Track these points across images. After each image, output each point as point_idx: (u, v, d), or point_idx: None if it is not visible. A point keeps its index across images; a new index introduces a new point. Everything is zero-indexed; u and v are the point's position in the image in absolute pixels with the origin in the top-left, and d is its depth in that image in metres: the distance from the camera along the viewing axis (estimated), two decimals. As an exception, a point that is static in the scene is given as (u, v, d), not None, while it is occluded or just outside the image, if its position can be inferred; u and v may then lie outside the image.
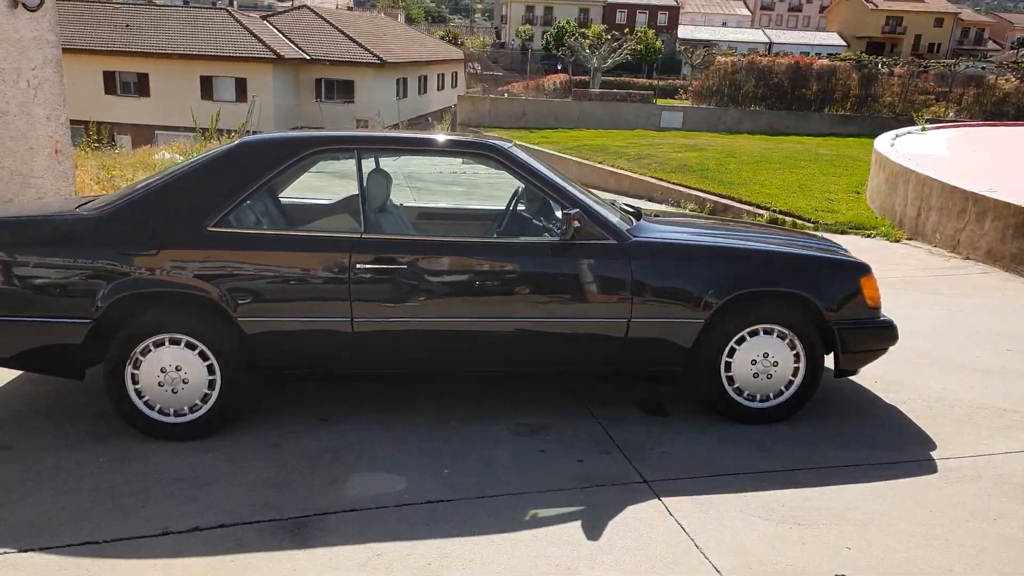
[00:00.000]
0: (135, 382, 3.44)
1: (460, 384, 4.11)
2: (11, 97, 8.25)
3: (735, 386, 3.80)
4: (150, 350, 3.42)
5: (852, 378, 4.38)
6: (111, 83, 28.24)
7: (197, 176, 3.55)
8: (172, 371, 3.44)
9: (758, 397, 3.82)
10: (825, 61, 27.42)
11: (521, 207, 4.44)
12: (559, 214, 3.72)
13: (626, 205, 4.51)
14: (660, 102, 26.85)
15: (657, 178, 14.86)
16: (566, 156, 18.12)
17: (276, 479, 3.19)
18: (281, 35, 30.20)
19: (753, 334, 3.75)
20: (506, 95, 26.38)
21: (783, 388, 3.82)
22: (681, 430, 3.73)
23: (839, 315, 3.76)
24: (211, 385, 3.49)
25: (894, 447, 3.60)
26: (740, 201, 12.21)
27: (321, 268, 3.46)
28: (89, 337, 3.38)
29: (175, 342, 3.43)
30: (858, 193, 12.59)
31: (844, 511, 3.02)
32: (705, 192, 13.18)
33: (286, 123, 27.48)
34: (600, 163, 16.98)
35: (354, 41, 30.42)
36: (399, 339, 3.56)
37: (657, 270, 3.64)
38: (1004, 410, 4.06)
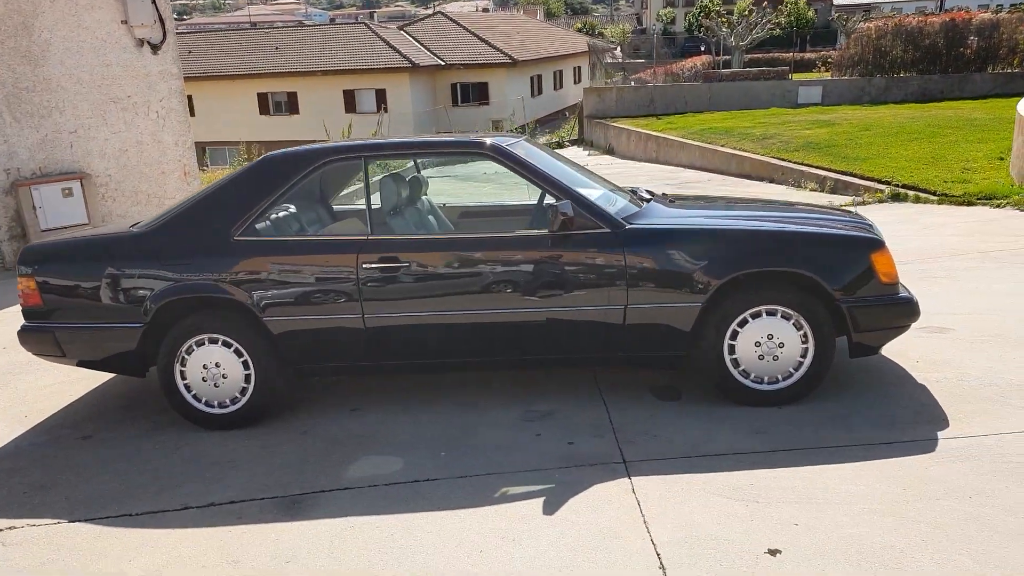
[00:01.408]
0: (183, 378, 3.94)
1: (482, 373, 4.33)
2: (143, 128, 9.36)
3: (740, 368, 3.80)
4: (193, 349, 3.91)
5: (892, 357, 4.27)
6: (264, 104, 30.62)
7: (226, 190, 4.00)
8: (213, 367, 3.92)
9: (765, 379, 3.81)
10: (987, 15, 25.07)
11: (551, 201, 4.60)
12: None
13: (648, 191, 4.58)
14: (797, 77, 25.63)
15: (779, 158, 14.33)
16: (689, 141, 17.81)
17: (294, 462, 3.58)
18: (417, 43, 31.47)
19: (756, 316, 3.74)
20: (632, 83, 26.12)
21: (792, 370, 3.78)
22: (684, 414, 3.79)
23: (848, 293, 3.68)
24: (247, 379, 3.93)
25: (901, 428, 3.48)
26: (861, 177, 11.61)
27: (333, 269, 3.81)
28: (142, 339, 3.91)
29: (213, 341, 3.90)
30: (1002, 159, 11.61)
31: (812, 490, 3.00)
32: (825, 170, 12.61)
33: (424, 130, 28.60)
34: (723, 146, 16.56)
35: (486, 43, 31.19)
36: (407, 334, 3.85)
37: (650, 256, 3.71)
38: (1050, 387, 3.79)
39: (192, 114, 31.61)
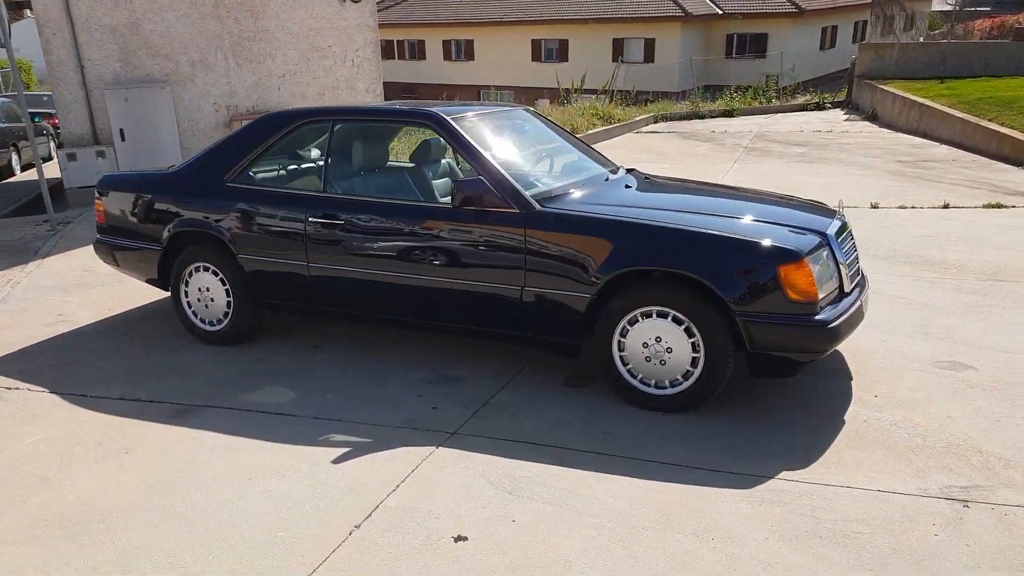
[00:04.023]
0: (186, 296, 4.74)
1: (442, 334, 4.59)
2: (339, 74, 10.51)
3: (629, 367, 3.72)
4: (193, 273, 4.67)
5: (856, 387, 3.89)
6: (537, 50, 31.64)
7: (230, 141, 4.67)
8: (205, 292, 4.66)
9: (653, 383, 3.69)
10: None
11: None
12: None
13: (629, 170, 4.58)
14: None
15: (1042, 138, 12.17)
16: (953, 112, 15.62)
17: (223, 380, 4.22)
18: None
19: (647, 316, 3.62)
20: (921, 39, 23.06)
21: (680, 377, 3.62)
22: (565, 402, 3.82)
23: (744, 305, 3.42)
24: (228, 305, 4.62)
25: (752, 459, 3.25)
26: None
27: (288, 220, 4.32)
28: (161, 260, 4.74)
29: (207, 269, 4.63)
30: None
31: (576, 497, 2.98)
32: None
33: (692, 83, 27.81)
34: (989, 121, 14.34)
35: (772, -10, 29.24)
36: (340, 285, 4.27)
37: (548, 241, 3.74)
38: (980, 451, 3.23)
39: (472, 58, 33.83)
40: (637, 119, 17.02)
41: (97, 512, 2.97)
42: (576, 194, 4.04)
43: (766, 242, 3.48)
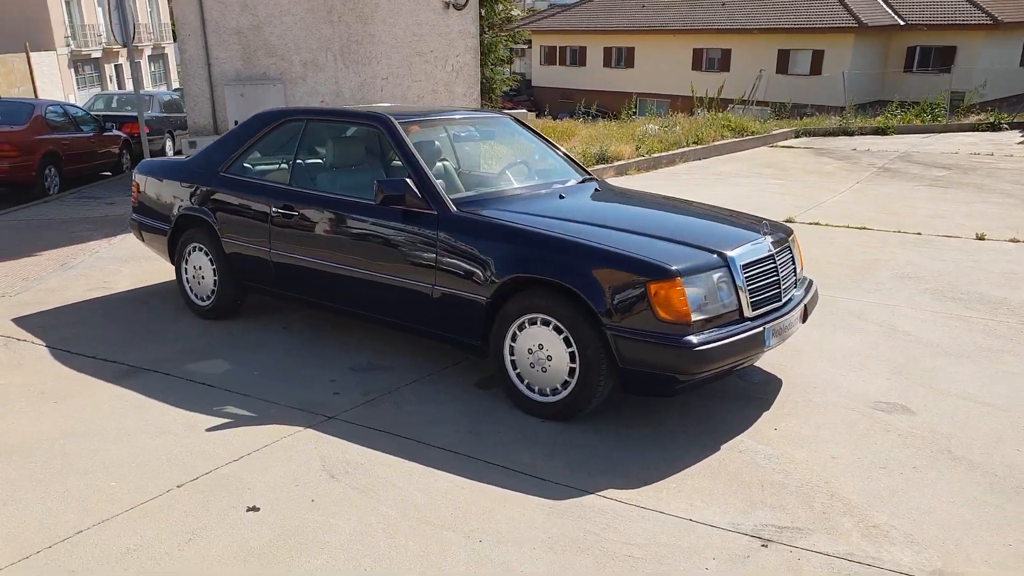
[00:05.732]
0: (186, 273, 5.24)
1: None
2: (439, 78, 10.95)
3: (517, 372, 3.75)
4: (191, 253, 5.17)
5: (764, 420, 3.74)
6: (698, 59, 30.86)
7: (230, 135, 5.11)
8: (197, 270, 5.14)
9: (536, 389, 3.70)
10: None
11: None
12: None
13: (598, 179, 4.63)
14: None
15: None
16: None
17: (185, 349, 4.65)
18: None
19: (532, 323, 3.65)
20: None
21: (559, 386, 3.61)
22: (463, 400, 3.92)
23: (613, 319, 3.37)
24: (215, 284, 5.06)
25: (594, 474, 3.21)
26: None
27: (259, 209, 4.68)
28: (171, 239, 5.28)
29: (200, 250, 5.10)
30: None
31: (384, 486, 3.11)
32: None
33: (863, 96, 26.14)
34: None
35: (965, -2, 26.83)
36: (292, 271, 4.57)
37: (457, 244, 3.85)
38: (832, 495, 3.00)
39: (631, 66, 33.57)
40: (774, 132, 16.30)
41: (-10, 448, 3.44)
42: (504, 200, 4.10)
43: (640, 258, 3.40)
